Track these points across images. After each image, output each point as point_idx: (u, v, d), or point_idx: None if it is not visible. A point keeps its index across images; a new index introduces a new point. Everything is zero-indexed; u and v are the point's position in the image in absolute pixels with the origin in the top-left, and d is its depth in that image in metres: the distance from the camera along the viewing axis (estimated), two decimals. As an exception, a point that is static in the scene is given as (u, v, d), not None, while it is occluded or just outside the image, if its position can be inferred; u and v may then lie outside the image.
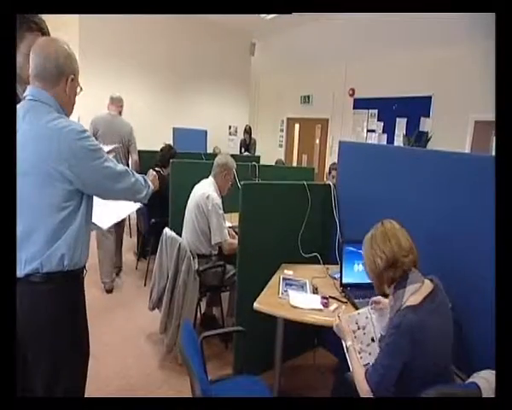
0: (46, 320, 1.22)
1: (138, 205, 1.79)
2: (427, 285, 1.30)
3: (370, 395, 1.23)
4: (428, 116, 5.29)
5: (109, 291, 3.39)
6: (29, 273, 1.19)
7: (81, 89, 1.34)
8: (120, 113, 3.91)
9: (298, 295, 1.93)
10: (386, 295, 1.40)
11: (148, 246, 3.73)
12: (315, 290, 2.01)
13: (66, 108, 1.30)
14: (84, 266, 1.37)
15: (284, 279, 2.10)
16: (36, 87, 1.22)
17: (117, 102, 3.89)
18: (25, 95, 1.24)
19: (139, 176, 1.46)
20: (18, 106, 1.21)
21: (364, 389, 1.25)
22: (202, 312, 2.89)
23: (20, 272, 1.19)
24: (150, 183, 1.53)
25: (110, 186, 1.32)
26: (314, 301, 1.88)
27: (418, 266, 1.36)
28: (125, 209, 1.83)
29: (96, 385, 2.10)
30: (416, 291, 1.26)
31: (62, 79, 1.25)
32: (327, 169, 5.05)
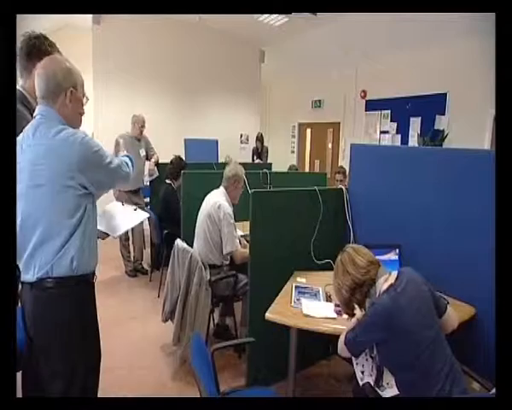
0: (58, 324, 1.28)
1: (147, 215, 1.82)
2: (393, 273, 1.42)
3: (345, 350, 1.44)
4: (444, 114, 5.14)
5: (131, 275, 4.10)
6: (41, 278, 1.24)
7: (87, 99, 1.41)
8: (136, 130, 4.05)
9: (311, 304, 1.88)
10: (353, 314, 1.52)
11: (161, 257, 3.75)
12: (328, 298, 1.96)
13: (72, 119, 1.35)
14: (94, 272, 1.41)
15: (297, 287, 2.06)
16: (43, 105, 1.30)
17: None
18: (35, 114, 1.32)
19: (123, 159, 1.53)
20: (29, 125, 1.30)
21: (342, 342, 1.46)
22: (216, 322, 2.87)
23: (33, 276, 1.25)
24: (128, 160, 1.59)
25: (110, 181, 1.44)
26: (327, 310, 1.83)
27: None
28: (135, 218, 1.87)
29: (110, 396, 2.10)
30: (385, 281, 1.38)
31: (61, 93, 1.30)
32: (339, 174, 4.96)
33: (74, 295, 1.30)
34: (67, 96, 1.31)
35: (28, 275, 1.26)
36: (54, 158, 1.24)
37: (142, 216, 1.76)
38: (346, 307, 1.49)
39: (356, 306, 1.48)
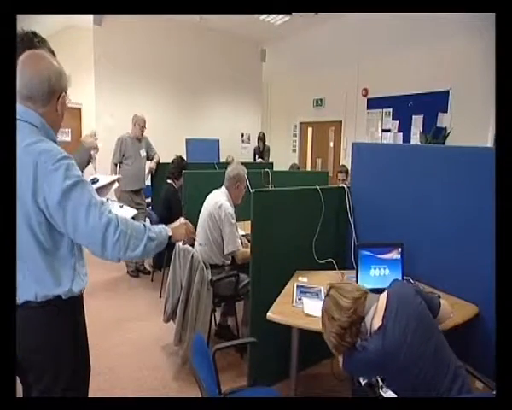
0: (46, 342, 1.19)
1: (135, 211, 1.71)
2: (382, 299, 1.32)
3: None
4: (446, 111, 5.12)
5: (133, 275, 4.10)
6: (26, 301, 1.14)
7: (69, 101, 1.28)
8: (137, 130, 4.05)
9: (312, 303, 1.87)
10: None
11: (163, 258, 3.76)
12: (330, 298, 1.95)
13: (56, 125, 1.24)
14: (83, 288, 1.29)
15: (298, 287, 2.05)
16: (23, 106, 1.15)
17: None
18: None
19: (132, 224, 1.16)
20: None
21: (340, 363, 1.40)
22: (217, 322, 2.86)
23: (18, 300, 1.14)
24: (154, 233, 1.20)
25: (87, 237, 1.10)
26: (329, 309, 1.82)
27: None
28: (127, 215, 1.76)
29: (111, 396, 2.10)
30: (375, 314, 1.29)
31: (54, 97, 1.19)
32: (341, 172, 4.94)
33: (61, 314, 1.19)
34: (59, 101, 1.21)
35: None
36: (19, 172, 1.07)
37: (128, 213, 1.61)
38: (338, 352, 1.39)
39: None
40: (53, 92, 1.19)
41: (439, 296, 1.43)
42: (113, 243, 1.10)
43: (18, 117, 1.14)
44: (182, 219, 1.38)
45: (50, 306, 1.17)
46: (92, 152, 1.63)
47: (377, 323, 1.28)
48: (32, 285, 1.14)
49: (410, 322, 1.26)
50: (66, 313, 1.23)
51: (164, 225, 1.28)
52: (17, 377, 1.17)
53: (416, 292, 1.35)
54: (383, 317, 1.27)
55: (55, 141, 1.21)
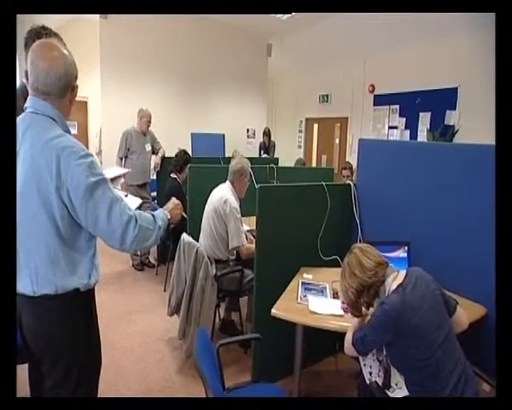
0: (62, 333, 1.21)
1: (140, 201, 1.72)
2: (402, 272, 1.39)
3: (352, 350, 1.41)
4: (454, 109, 5.04)
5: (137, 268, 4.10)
6: (40, 295, 1.15)
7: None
8: (143, 125, 4.03)
9: (317, 301, 1.87)
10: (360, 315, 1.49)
11: (167, 251, 3.77)
12: (335, 295, 1.94)
13: (67, 116, 1.23)
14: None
15: (303, 284, 2.04)
16: (39, 99, 1.15)
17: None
18: (25, 106, 1.16)
19: (146, 217, 1.23)
20: (17, 120, 1.14)
21: (349, 342, 1.43)
22: (221, 317, 2.87)
23: (32, 292, 1.15)
24: (161, 220, 1.29)
25: (108, 233, 1.14)
26: (334, 307, 1.81)
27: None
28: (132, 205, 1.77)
29: (116, 390, 2.13)
30: (394, 280, 1.35)
31: (69, 89, 1.19)
32: (347, 169, 4.90)
33: (74, 307, 1.21)
34: (74, 93, 1.20)
35: (21, 286, 1.14)
36: (40, 165, 1.08)
37: (133, 203, 1.60)
38: (353, 309, 1.46)
39: (363, 307, 1.45)
40: (68, 84, 1.18)
41: (457, 303, 1.43)
42: (133, 238, 1.16)
43: (35, 111, 1.14)
44: (174, 200, 1.44)
45: (68, 297, 1.18)
46: None
47: (394, 286, 1.33)
48: (51, 278, 1.15)
49: (427, 299, 1.30)
50: (83, 305, 1.25)
51: (161, 209, 1.36)
52: (20, 374, 1.17)
53: (435, 282, 1.38)
54: (402, 282, 1.32)
55: (69, 132, 1.21)
